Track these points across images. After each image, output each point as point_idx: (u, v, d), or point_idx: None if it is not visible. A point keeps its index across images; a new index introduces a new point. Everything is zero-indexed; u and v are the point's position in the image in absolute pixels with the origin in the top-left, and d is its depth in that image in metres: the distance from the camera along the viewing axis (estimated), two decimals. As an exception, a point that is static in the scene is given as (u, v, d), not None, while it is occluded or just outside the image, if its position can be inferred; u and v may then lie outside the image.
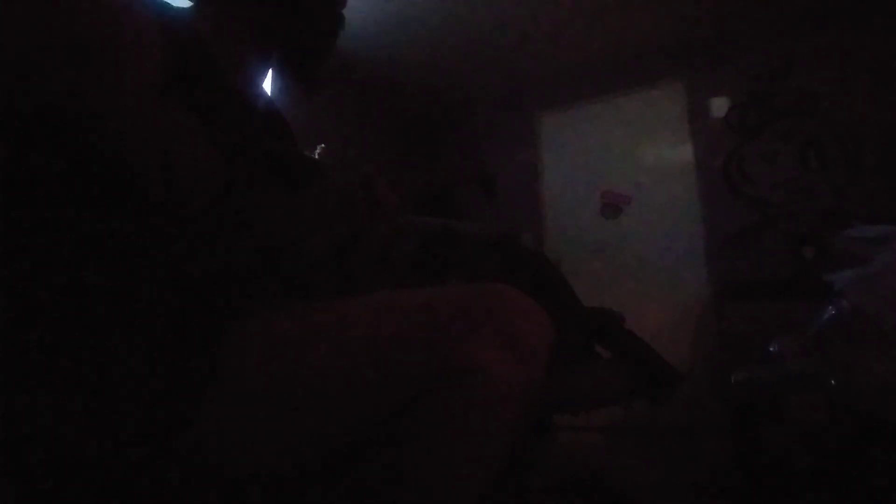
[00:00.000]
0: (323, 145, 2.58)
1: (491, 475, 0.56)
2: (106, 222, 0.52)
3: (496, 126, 3.83)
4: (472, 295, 0.58)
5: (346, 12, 0.84)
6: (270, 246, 0.62)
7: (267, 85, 0.84)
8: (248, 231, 0.60)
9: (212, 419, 0.53)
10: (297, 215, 0.64)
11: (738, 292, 2.68)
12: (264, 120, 0.79)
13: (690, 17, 2.92)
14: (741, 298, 2.62)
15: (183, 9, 0.74)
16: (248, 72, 0.76)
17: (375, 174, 0.67)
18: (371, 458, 0.55)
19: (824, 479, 1.42)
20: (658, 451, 2.55)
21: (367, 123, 3.61)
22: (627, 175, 3.37)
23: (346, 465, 0.57)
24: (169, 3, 0.70)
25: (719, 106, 3.12)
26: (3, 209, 0.50)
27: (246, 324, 0.58)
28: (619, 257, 3.30)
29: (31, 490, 0.48)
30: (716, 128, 3.11)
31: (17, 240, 0.50)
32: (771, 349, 1.73)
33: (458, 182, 1.06)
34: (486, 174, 1.07)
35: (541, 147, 3.68)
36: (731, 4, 2.82)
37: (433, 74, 3.45)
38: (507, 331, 0.55)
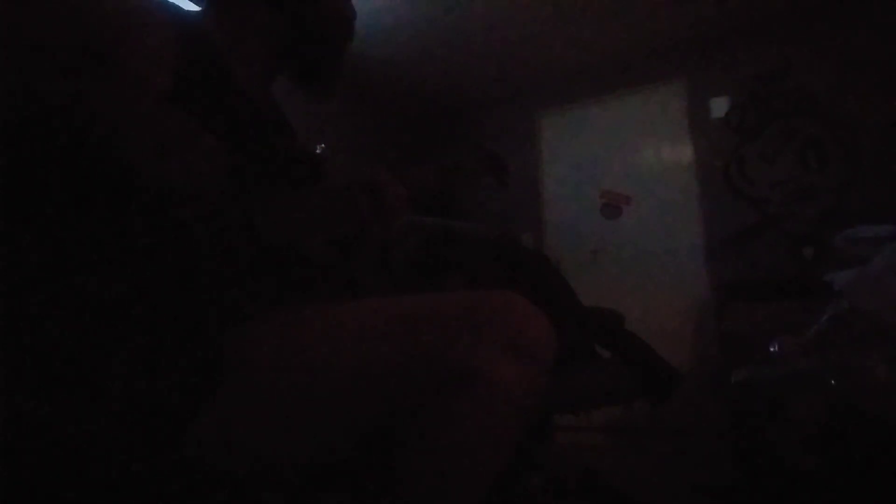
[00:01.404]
0: (323, 145, 2.58)
1: (492, 477, 0.56)
2: (109, 224, 0.53)
3: (496, 126, 3.83)
4: (476, 301, 0.58)
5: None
6: (272, 246, 0.62)
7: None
8: (250, 232, 0.60)
9: (215, 419, 0.53)
10: (298, 215, 0.64)
11: (738, 292, 2.68)
12: (269, 120, 0.80)
13: (690, 18, 2.92)
14: (741, 298, 2.62)
15: (194, 11, 0.75)
16: (256, 74, 0.77)
17: (384, 173, 0.66)
18: (374, 460, 0.56)
19: (824, 479, 1.42)
20: (658, 451, 2.55)
21: (367, 124, 3.61)
22: (627, 175, 3.37)
23: (349, 467, 0.58)
24: (180, 6, 0.71)
25: (719, 106, 3.12)
26: (6, 211, 0.50)
27: (249, 325, 0.58)
28: (619, 257, 3.30)
29: (33, 489, 0.48)
30: (716, 128, 3.11)
31: (20, 241, 0.50)
32: (771, 349, 1.73)
33: (467, 165, 1.02)
34: (496, 155, 1.03)
35: (541, 147, 3.69)
36: (730, 5, 2.82)
37: (433, 74, 3.45)
38: (511, 336, 0.55)
